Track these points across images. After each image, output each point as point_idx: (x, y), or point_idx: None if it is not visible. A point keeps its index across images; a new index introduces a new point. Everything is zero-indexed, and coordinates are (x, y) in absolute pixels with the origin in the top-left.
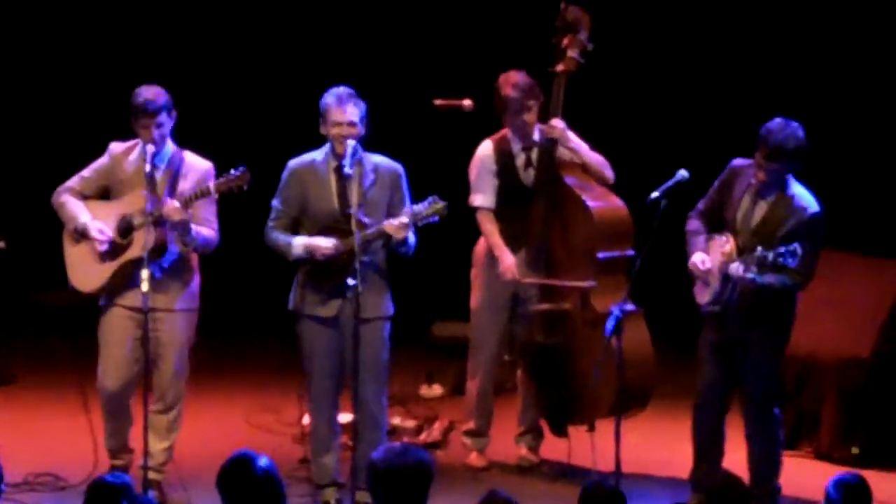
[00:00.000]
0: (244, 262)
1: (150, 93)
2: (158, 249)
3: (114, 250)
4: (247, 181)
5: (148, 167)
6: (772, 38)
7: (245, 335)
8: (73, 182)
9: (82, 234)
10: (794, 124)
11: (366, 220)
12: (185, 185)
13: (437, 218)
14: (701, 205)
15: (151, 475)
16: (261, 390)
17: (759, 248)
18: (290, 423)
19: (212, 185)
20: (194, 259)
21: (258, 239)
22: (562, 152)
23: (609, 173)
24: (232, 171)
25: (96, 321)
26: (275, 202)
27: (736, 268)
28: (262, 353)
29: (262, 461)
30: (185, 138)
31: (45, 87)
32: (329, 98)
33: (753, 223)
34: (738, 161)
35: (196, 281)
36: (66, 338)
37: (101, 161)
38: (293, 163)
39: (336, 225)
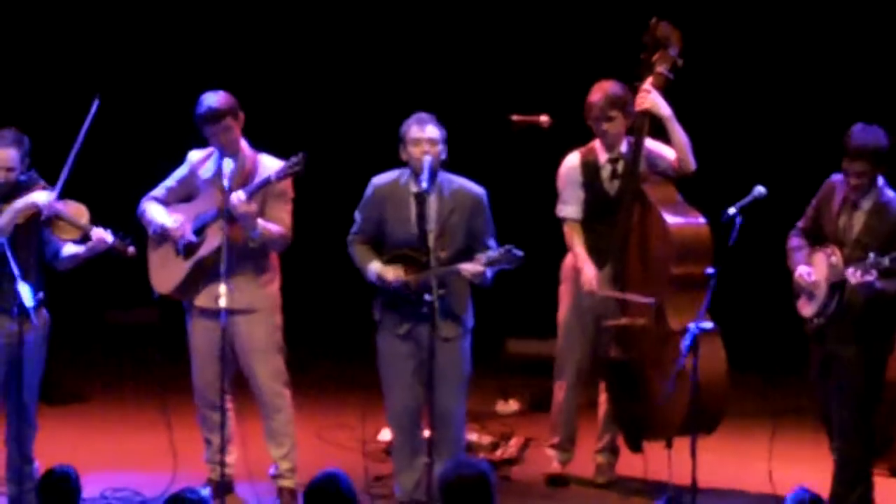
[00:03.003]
0: (320, 276)
1: (213, 99)
2: (229, 248)
3: (188, 250)
4: (303, 164)
5: (218, 168)
6: (852, 56)
7: (319, 350)
8: (156, 191)
9: (162, 235)
10: (875, 126)
11: (441, 254)
12: None
13: (510, 266)
14: (801, 222)
15: (281, 483)
16: (335, 406)
17: (872, 254)
18: (363, 439)
19: (272, 174)
20: (273, 261)
21: (335, 254)
22: (650, 164)
23: (692, 159)
24: (290, 158)
25: (170, 337)
26: (357, 214)
27: (853, 272)
28: (336, 368)
29: (342, 480)
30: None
31: (127, 103)
32: (408, 121)
33: (854, 233)
34: (836, 176)
35: (275, 283)
36: (141, 356)
37: (181, 170)
38: (376, 180)
39: (412, 253)
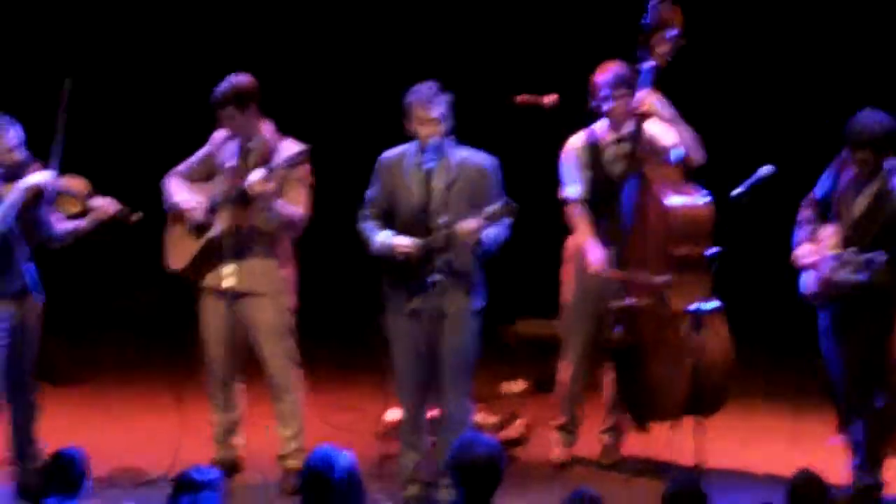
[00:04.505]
0: (328, 259)
1: (222, 85)
2: (239, 230)
3: (200, 230)
4: (306, 157)
5: (236, 149)
6: (864, 35)
7: (324, 333)
8: (181, 166)
9: (176, 211)
10: (880, 112)
11: (442, 220)
12: None
13: (507, 220)
14: (815, 191)
15: (288, 463)
16: (341, 388)
17: (851, 249)
18: (370, 420)
19: (273, 163)
20: (285, 245)
21: (346, 236)
22: (649, 146)
23: (699, 154)
24: (295, 151)
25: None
26: (369, 192)
27: (831, 266)
28: (342, 350)
29: (343, 460)
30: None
31: (151, 87)
32: (413, 96)
33: (854, 216)
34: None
35: (287, 267)
36: (148, 339)
37: (205, 148)
38: (383, 156)
39: (416, 222)
